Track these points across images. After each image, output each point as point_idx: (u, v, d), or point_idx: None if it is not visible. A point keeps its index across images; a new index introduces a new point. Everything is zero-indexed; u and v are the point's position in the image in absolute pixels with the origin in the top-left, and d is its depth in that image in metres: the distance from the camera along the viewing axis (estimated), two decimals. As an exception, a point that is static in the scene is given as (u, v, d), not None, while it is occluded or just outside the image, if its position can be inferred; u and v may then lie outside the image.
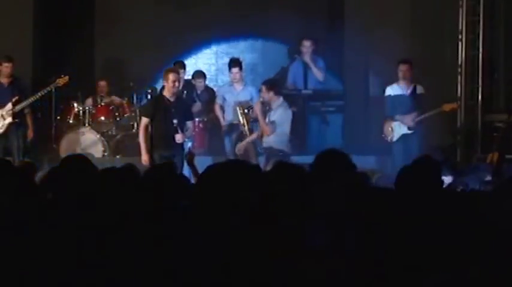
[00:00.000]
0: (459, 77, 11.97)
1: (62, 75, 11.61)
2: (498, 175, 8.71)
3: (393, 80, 11.40)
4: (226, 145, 11.56)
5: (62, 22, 13.53)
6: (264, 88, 11.18)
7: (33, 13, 13.17)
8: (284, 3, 13.80)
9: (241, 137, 11.34)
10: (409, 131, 11.05)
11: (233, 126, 11.54)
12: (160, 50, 13.63)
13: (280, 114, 11.08)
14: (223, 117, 11.69)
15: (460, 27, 11.96)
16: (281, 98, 11.21)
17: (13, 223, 4.09)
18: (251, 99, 11.54)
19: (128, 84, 13.04)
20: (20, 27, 12.90)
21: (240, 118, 11.33)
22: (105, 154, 11.90)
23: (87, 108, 12.20)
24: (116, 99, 12.66)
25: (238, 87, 11.65)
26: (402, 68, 11.14)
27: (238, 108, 11.35)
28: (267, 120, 11.09)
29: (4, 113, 11.13)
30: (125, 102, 12.62)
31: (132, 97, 12.83)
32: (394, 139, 11.13)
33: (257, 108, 11.19)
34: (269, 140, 11.03)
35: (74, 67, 12.72)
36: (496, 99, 12.10)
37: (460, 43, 11.97)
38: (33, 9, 13.17)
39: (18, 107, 11.12)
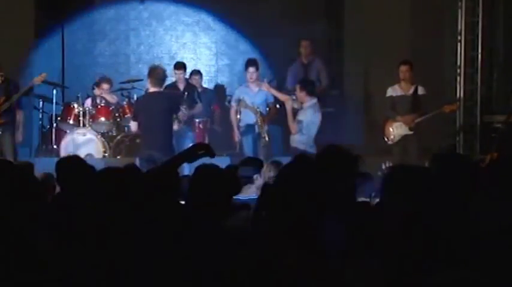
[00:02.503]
0: (458, 78, 12.04)
1: (40, 73, 11.53)
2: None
3: (393, 81, 11.44)
4: (246, 146, 11.50)
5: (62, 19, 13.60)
6: (297, 87, 11.16)
7: (34, 10, 13.22)
8: (283, 3, 13.82)
9: (258, 138, 11.33)
10: (410, 132, 11.07)
11: (250, 127, 11.51)
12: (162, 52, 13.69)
13: (309, 115, 11.00)
14: (240, 119, 11.62)
15: (460, 28, 12.02)
16: (314, 100, 11.07)
17: (14, 224, 4.10)
18: (266, 99, 11.49)
19: (127, 85, 13.10)
20: (21, 26, 12.94)
21: (258, 119, 11.32)
22: (106, 154, 11.91)
23: (87, 109, 12.23)
24: (114, 98, 12.65)
25: (255, 88, 11.53)
26: (402, 69, 11.16)
27: (255, 110, 11.35)
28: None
29: None
30: (125, 103, 12.65)
31: (132, 98, 12.86)
32: (395, 140, 11.17)
33: (288, 106, 11.15)
34: (295, 140, 11.00)
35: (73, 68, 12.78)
36: (495, 100, 12.14)
37: (459, 44, 12.03)
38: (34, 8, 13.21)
39: (2, 107, 11.05)
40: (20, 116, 11.21)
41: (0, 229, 4.00)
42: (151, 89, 10.13)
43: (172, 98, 10.47)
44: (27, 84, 11.43)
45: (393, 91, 11.24)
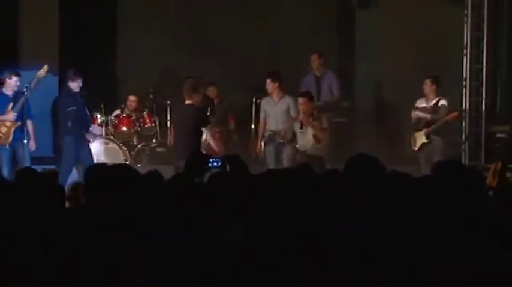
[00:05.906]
0: (464, 90, 12.24)
1: (42, 66, 11.10)
2: (502, 184, 9.03)
3: (402, 93, 11.73)
4: (268, 155, 11.62)
5: (86, 32, 13.55)
6: (300, 100, 11.37)
7: (59, 22, 13.30)
8: (294, 15, 13.93)
9: (280, 146, 11.51)
10: (426, 141, 11.27)
11: (273, 137, 11.69)
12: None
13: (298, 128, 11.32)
14: (266, 129, 11.82)
15: (465, 43, 12.24)
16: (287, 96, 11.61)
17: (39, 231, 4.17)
18: (287, 109, 11.68)
19: (148, 97, 13.37)
20: (47, 37, 13.07)
21: (278, 128, 11.64)
22: (127, 163, 12.17)
23: (109, 119, 12.57)
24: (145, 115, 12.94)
25: (276, 98, 11.78)
26: (425, 83, 11.36)
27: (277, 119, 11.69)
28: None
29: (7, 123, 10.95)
30: (145, 113, 12.98)
31: (152, 108, 13.18)
32: (416, 149, 11.34)
33: (299, 118, 11.32)
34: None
35: (98, 79, 13.00)
36: (499, 111, 12.35)
37: (465, 58, 12.26)
38: (59, 17, 13.30)
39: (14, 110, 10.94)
40: (29, 125, 11.06)
41: (24, 235, 4.11)
42: (186, 101, 10.18)
43: (202, 110, 10.53)
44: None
45: (418, 102, 11.41)
